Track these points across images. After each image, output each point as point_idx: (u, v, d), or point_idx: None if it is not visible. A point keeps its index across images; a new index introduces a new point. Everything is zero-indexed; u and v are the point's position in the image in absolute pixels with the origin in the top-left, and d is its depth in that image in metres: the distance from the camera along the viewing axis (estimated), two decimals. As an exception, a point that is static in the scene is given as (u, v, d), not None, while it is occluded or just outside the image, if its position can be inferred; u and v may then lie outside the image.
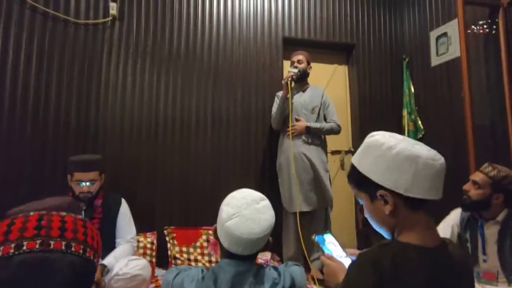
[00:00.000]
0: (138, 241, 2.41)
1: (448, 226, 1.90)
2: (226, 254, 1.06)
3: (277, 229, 2.62)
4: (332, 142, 3.15)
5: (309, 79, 2.90)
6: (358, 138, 3.37)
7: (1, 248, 0.54)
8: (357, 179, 0.87)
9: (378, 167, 0.81)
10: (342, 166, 3.42)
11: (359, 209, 3.28)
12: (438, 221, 1.91)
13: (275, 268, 1.09)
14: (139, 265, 1.84)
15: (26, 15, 2.60)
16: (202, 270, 1.05)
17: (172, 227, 2.70)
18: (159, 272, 2.46)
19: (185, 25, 2.99)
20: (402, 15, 3.66)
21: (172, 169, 2.83)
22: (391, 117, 3.48)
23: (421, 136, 3.29)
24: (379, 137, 0.85)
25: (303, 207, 2.60)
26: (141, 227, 2.38)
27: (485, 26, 2.72)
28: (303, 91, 2.85)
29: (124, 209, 2.06)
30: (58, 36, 2.66)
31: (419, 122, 3.33)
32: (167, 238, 2.65)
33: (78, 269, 0.58)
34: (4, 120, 2.48)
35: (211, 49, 3.03)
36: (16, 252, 0.54)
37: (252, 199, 1.06)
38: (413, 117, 3.35)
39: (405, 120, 3.38)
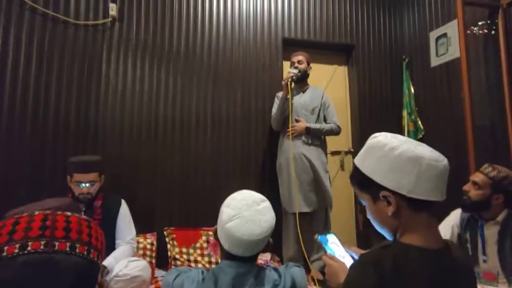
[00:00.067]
0: (138, 242, 2.40)
1: (448, 226, 1.91)
2: (227, 255, 1.05)
3: (277, 230, 2.61)
4: (332, 142, 3.15)
5: (309, 80, 2.90)
6: (358, 138, 3.37)
7: (6, 248, 0.54)
8: (360, 180, 0.86)
9: (381, 168, 0.81)
10: (342, 166, 3.42)
11: (359, 210, 3.28)
12: (438, 222, 1.91)
13: (276, 270, 1.09)
14: (139, 266, 1.83)
15: (26, 16, 2.59)
16: (203, 272, 1.05)
17: (172, 228, 2.69)
18: (159, 273, 2.45)
19: (185, 26, 2.99)
20: (402, 16, 3.66)
21: (172, 169, 2.82)
22: (391, 117, 3.48)
23: (421, 136, 3.30)
24: (381, 138, 0.84)
25: (303, 207, 2.59)
26: (141, 228, 2.38)
27: (484, 27, 2.72)
28: (303, 92, 2.85)
29: (124, 210, 2.05)
30: (57, 37, 2.66)
31: (419, 122, 3.33)
32: (167, 239, 2.64)
33: (82, 270, 0.58)
34: (3, 121, 2.48)
35: (211, 49, 3.03)
36: (21, 253, 0.54)
37: (253, 201, 1.06)
38: (413, 117, 3.35)
39: (405, 121, 3.38)
